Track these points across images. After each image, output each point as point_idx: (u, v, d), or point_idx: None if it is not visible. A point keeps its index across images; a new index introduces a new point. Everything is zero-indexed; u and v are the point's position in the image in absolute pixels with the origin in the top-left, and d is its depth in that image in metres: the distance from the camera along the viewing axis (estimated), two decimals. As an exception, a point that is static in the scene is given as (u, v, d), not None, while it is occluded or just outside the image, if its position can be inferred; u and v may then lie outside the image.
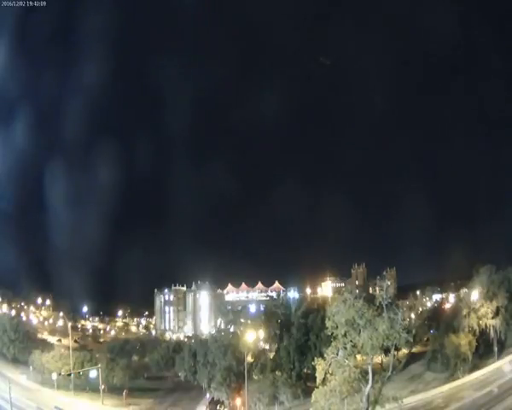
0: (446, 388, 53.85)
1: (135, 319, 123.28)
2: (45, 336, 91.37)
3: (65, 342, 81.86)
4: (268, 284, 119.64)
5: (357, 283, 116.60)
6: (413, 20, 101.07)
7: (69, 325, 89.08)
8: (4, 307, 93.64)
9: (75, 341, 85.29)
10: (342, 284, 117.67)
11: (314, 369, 36.76)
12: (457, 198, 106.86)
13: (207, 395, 60.31)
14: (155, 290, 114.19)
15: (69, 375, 57.97)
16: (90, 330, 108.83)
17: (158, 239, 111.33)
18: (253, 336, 59.45)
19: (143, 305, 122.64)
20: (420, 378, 57.17)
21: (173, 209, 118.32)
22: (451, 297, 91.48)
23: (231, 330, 68.58)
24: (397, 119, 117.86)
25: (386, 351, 39.15)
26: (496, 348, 59.39)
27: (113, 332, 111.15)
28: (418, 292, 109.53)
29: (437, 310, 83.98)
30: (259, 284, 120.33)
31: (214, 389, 57.10)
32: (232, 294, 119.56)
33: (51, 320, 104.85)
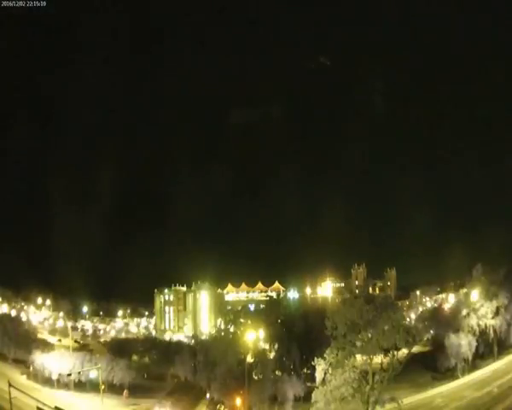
0: (446, 388, 53.85)
1: (135, 319, 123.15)
2: (45, 336, 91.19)
3: (65, 342, 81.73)
4: (268, 284, 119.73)
5: (357, 283, 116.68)
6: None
7: (69, 325, 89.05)
8: (4, 307, 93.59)
9: (75, 341, 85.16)
10: (342, 284, 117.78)
11: (314, 369, 36.79)
12: (457, 198, 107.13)
13: (207, 395, 60.24)
14: (155, 290, 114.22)
15: (69, 375, 57.91)
16: (90, 331, 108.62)
17: (158, 239, 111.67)
18: (253, 336, 59.42)
19: (143, 305, 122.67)
20: (420, 378, 57.09)
21: (173, 210, 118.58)
22: (451, 297, 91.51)
23: (231, 330, 68.55)
24: (397, 119, 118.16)
25: (387, 351, 39.15)
26: (496, 348, 59.44)
27: (113, 332, 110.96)
28: (418, 292, 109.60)
29: (437, 310, 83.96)
30: (259, 284, 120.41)
31: (214, 389, 57.04)
32: (232, 294, 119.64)
33: (51, 320, 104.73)
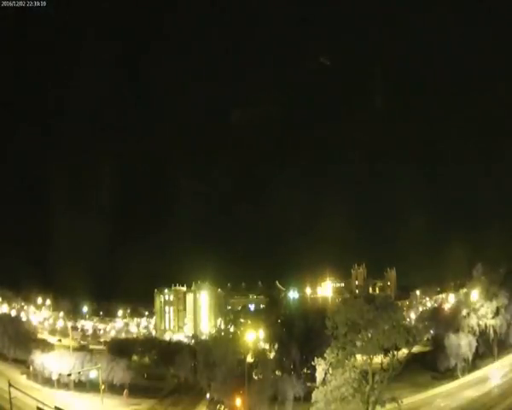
0: (446, 388, 53.89)
1: (135, 319, 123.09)
2: (45, 336, 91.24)
3: (65, 342, 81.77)
4: (268, 284, 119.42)
5: (357, 283, 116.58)
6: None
7: (69, 325, 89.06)
8: (4, 307, 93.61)
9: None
10: (342, 284, 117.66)
11: (314, 369, 36.82)
12: (457, 198, 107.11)
13: (207, 395, 60.25)
14: (155, 290, 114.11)
15: (69, 375, 57.95)
16: (90, 331, 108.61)
17: (158, 239, 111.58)
18: (253, 336, 59.44)
19: (143, 305, 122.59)
20: (420, 378, 57.12)
21: (173, 210, 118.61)
22: (451, 297, 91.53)
23: (231, 330, 68.49)
24: (396, 118, 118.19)
25: (387, 351, 39.18)
26: (496, 348, 59.44)
27: (113, 332, 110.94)
28: (418, 292, 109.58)
29: (437, 310, 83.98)
30: (259, 284, 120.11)
31: (214, 389, 57.05)
32: (232, 294, 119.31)
33: (51, 320, 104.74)
